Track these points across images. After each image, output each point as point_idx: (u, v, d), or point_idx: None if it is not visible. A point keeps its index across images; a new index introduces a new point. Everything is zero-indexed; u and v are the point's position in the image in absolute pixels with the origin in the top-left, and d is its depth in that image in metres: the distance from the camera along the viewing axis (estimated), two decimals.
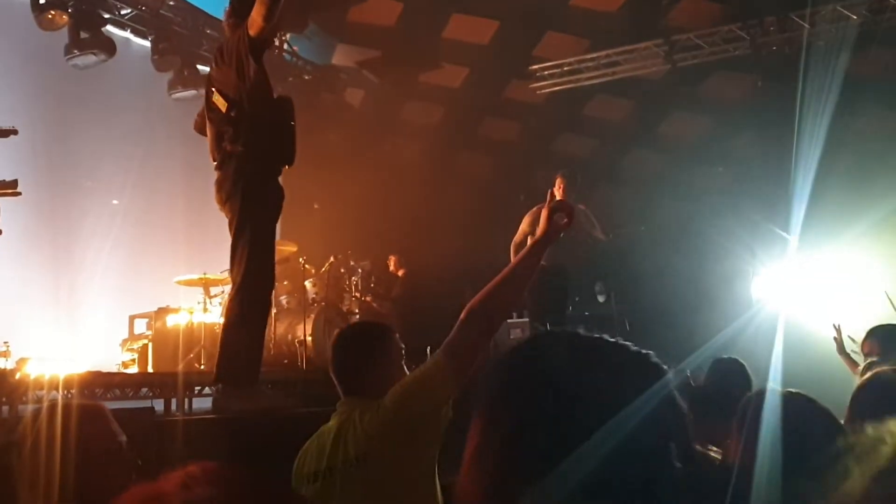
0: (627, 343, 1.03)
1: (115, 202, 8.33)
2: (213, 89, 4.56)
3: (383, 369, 2.50)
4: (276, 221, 4.61)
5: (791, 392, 2.26)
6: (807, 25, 9.09)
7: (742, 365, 3.71)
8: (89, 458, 2.06)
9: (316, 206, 8.95)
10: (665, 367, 1.03)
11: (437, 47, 10.16)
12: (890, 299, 5.78)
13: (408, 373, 2.46)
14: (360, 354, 2.56)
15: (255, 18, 4.21)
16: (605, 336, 1.04)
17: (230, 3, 4.74)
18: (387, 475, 2.26)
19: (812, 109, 8.95)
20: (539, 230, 2.21)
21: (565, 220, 2.21)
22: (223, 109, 4.49)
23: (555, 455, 0.91)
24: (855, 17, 8.75)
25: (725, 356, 3.74)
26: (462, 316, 2.16)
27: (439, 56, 10.38)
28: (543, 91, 10.50)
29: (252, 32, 4.26)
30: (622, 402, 0.94)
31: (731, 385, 3.44)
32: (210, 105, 4.60)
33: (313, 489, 2.38)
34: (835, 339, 5.66)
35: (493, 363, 1.05)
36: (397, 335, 2.64)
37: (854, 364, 5.33)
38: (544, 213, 2.20)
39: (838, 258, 9.61)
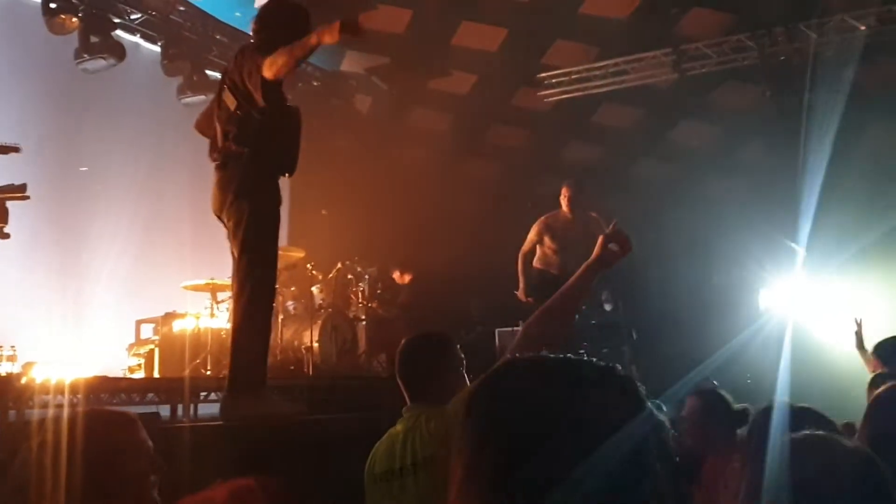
0: (592, 360, 1.05)
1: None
2: (226, 86, 4.54)
3: (446, 377, 2.69)
4: (279, 228, 4.60)
5: (800, 407, 2.25)
6: (815, 35, 9.08)
7: (721, 398, 3.63)
8: (120, 465, 2.05)
9: (324, 212, 8.95)
10: (632, 379, 1.04)
11: (446, 54, 10.16)
12: None
13: (467, 381, 2.66)
14: (425, 363, 2.76)
15: (272, 67, 4.20)
16: (571, 356, 1.06)
17: (257, 14, 4.75)
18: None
19: (820, 120, 8.93)
20: (593, 255, 2.24)
21: (618, 250, 2.25)
22: (231, 108, 4.48)
23: (538, 486, 0.93)
24: (863, 28, 8.73)
25: (704, 388, 3.66)
26: (519, 334, 2.24)
27: (448, 63, 10.39)
28: (552, 99, 10.50)
29: (267, 75, 4.25)
30: (597, 424, 0.96)
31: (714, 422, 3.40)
32: (220, 102, 4.58)
33: (384, 487, 2.61)
34: (855, 332, 5.62)
35: (476, 393, 1.06)
36: (458, 346, 2.82)
37: (871, 361, 5.30)
38: (600, 240, 2.25)
39: (847, 270, 9.56)
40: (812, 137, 9.03)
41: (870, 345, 5.31)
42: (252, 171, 4.43)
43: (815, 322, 9.53)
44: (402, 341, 2.90)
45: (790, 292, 10.16)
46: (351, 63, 10.70)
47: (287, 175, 4.66)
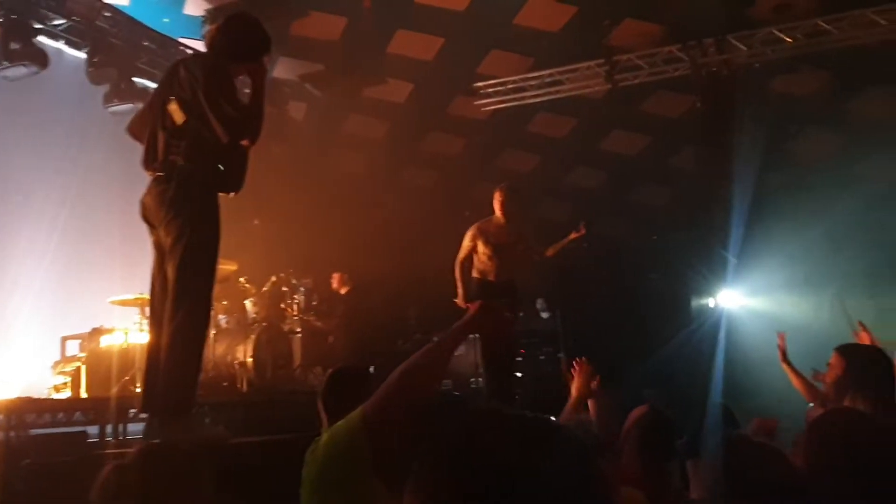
0: (536, 415, 1.12)
1: None
2: (172, 98, 4.36)
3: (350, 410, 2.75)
4: (218, 247, 4.46)
5: (736, 434, 2.27)
6: (744, 48, 9.31)
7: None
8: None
9: (256, 223, 8.81)
10: (584, 441, 1.12)
11: (382, 62, 10.11)
12: (844, 309, 5.84)
13: None
14: (346, 396, 2.86)
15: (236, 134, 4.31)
16: (529, 415, 1.12)
17: (214, 29, 4.63)
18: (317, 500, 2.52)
19: (748, 129, 9.17)
20: (464, 319, 2.21)
21: (489, 323, 2.24)
22: (178, 122, 4.32)
23: None
24: (790, 41, 8.98)
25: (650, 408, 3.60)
26: (382, 386, 2.18)
27: (384, 71, 10.33)
28: (488, 108, 10.54)
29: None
30: (549, 486, 1.01)
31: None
32: (164, 112, 4.38)
33: None
34: (778, 346, 5.71)
35: (429, 443, 1.11)
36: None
37: (796, 374, 5.37)
38: (477, 304, 2.24)
39: (776, 276, 9.81)
40: (741, 146, 9.26)
41: (792, 357, 5.40)
42: (195, 187, 4.27)
43: (746, 329, 9.73)
44: (329, 371, 3.11)
45: (723, 299, 10.39)
46: (284, 70, 10.56)
47: (232, 193, 4.53)
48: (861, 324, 4.59)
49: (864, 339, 4.41)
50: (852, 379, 3.72)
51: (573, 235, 7.54)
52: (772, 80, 9.66)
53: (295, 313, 8.14)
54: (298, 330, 8.04)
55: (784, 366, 5.55)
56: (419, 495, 1.06)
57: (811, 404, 4.88)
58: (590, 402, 4.06)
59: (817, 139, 10.32)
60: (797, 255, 9.27)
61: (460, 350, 9.20)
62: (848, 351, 3.97)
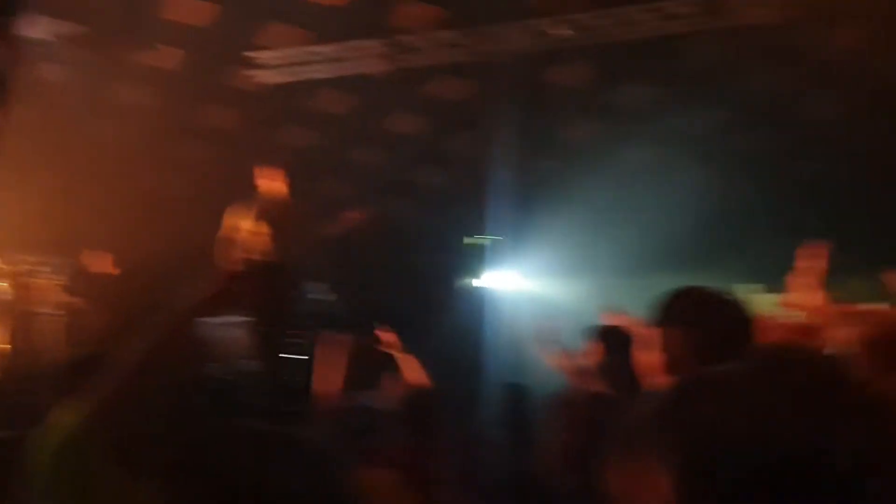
0: (275, 429, 1.24)
1: None
2: None
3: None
4: None
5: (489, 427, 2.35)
6: (518, 37, 9.69)
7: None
8: None
9: (10, 196, 8.03)
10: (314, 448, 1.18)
11: (151, 26, 9.46)
12: (600, 290, 6.13)
13: None
14: (80, 381, 2.48)
15: None
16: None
17: None
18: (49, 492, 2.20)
19: (521, 115, 9.62)
20: (215, 289, 2.03)
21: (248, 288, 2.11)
22: None
23: None
24: (561, 33, 9.46)
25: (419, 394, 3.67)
26: (119, 368, 1.95)
27: (153, 35, 9.68)
28: (267, 81, 10.22)
29: None
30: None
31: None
32: None
33: None
34: (536, 329, 5.97)
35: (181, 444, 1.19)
36: None
37: (553, 356, 5.62)
38: (229, 273, 2.05)
39: (548, 259, 10.39)
40: (514, 132, 9.70)
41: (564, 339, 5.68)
42: None
43: (520, 311, 10.22)
44: (71, 357, 3.03)
45: (496, 280, 10.85)
46: (39, 29, 9.58)
47: None
48: (612, 306, 4.85)
49: (617, 321, 4.61)
50: (600, 360, 3.96)
51: (352, 215, 7.54)
52: (545, 70, 10.16)
53: (55, 295, 7.51)
54: (58, 312, 7.44)
55: (539, 349, 5.80)
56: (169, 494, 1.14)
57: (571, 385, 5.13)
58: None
59: (584, 127, 11.01)
60: (567, 238, 9.87)
61: (233, 332, 8.97)
62: (595, 333, 4.24)
